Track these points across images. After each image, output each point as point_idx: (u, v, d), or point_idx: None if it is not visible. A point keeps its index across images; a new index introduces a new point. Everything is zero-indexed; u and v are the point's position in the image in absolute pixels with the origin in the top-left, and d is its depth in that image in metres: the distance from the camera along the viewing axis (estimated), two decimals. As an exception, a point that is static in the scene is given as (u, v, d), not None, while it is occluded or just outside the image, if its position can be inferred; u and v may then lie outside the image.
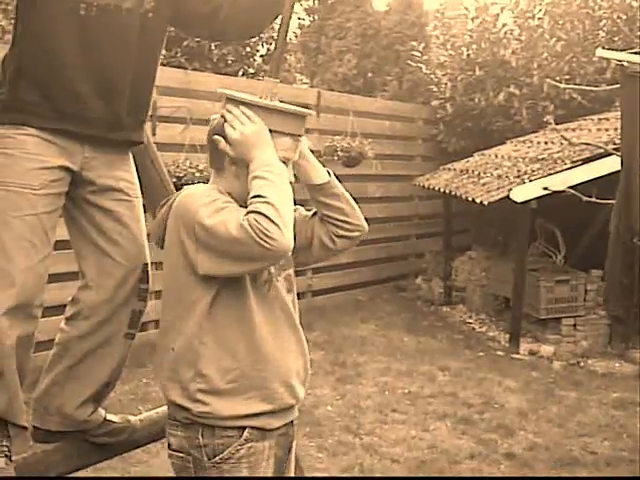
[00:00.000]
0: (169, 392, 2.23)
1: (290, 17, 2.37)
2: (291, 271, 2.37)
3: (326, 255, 2.44)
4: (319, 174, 2.36)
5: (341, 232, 2.36)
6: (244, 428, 2.20)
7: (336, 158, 8.59)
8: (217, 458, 2.18)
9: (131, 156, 2.71)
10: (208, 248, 2.09)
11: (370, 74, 12.56)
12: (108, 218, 2.58)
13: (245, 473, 2.20)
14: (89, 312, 2.60)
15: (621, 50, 8.48)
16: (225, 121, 2.19)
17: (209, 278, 2.14)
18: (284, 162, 2.20)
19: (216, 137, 2.20)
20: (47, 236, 2.42)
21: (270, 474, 2.30)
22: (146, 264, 2.68)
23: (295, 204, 2.21)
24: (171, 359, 2.22)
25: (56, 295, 3.75)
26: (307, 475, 3.49)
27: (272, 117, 2.20)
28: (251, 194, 2.07)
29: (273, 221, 2.00)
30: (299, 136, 2.26)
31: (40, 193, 2.38)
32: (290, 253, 2.13)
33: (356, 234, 2.39)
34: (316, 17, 13.70)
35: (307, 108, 2.33)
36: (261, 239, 1.99)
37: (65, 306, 2.67)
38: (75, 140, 2.47)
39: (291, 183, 2.19)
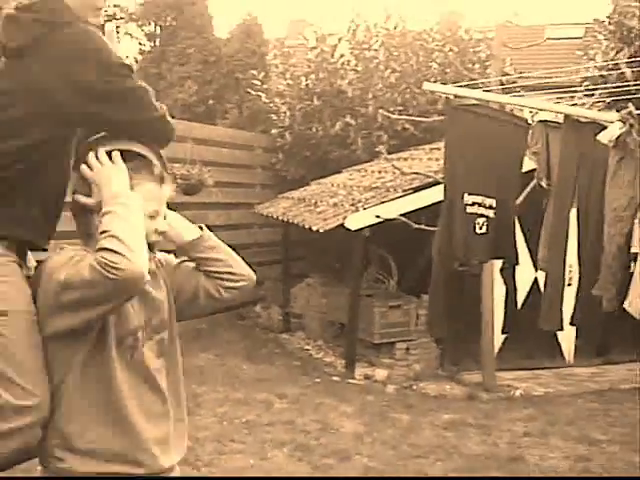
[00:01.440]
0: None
1: None
2: (165, 334, 2.30)
3: (214, 306, 2.40)
4: (189, 230, 2.35)
5: (227, 284, 2.33)
6: None
7: (175, 186, 8.51)
8: None
9: None
10: (64, 305, 2.05)
11: (211, 101, 12.55)
12: None
13: None
14: None
15: (452, 82, 8.86)
16: (81, 176, 2.18)
17: (74, 339, 2.10)
18: (153, 216, 2.20)
19: (75, 195, 2.19)
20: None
21: None
22: None
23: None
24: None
25: None
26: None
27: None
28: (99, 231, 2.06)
29: (116, 251, 1.97)
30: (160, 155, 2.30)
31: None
32: (166, 315, 2.24)
33: (242, 284, 2.35)
34: (157, 43, 13.60)
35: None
36: (109, 272, 1.96)
37: None
38: None
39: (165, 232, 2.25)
